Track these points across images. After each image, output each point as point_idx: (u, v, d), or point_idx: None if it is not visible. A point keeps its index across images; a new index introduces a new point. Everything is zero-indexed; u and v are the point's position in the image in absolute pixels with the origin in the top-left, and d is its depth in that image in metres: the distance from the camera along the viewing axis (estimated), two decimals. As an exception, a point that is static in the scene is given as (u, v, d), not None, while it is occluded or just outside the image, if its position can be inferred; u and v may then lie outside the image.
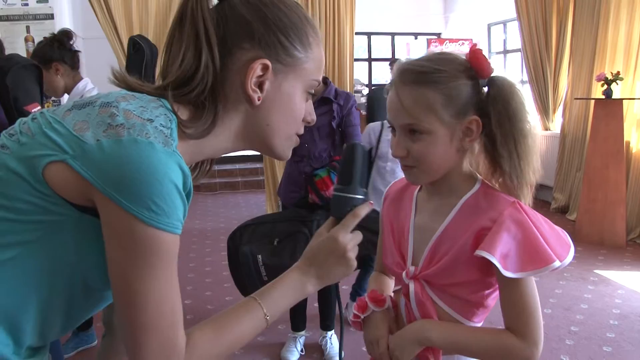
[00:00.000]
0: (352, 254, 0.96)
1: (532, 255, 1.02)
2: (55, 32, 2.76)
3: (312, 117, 0.95)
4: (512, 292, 1.06)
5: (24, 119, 0.82)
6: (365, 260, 2.89)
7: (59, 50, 2.67)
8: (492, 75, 1.06)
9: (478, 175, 1.14)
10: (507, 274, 1.01)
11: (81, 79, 2.78)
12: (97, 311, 0.92)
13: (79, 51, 2.78)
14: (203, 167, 1.00)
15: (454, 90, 1.03)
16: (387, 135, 3.02)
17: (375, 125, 3.19)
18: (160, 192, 0.71)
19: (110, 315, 1.06)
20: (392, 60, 7.48)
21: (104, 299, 0.88)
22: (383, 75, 9.67)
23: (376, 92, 4.34)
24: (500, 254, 1.01)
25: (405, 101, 1.04)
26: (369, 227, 1.11)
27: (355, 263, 0.97)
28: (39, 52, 2.64)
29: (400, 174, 1.17)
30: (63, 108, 0.80)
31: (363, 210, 0.99)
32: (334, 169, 2.75)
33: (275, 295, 0.92)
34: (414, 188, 1.22)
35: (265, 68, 0.85)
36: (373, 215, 1.07)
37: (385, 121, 2.85)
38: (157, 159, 0.72)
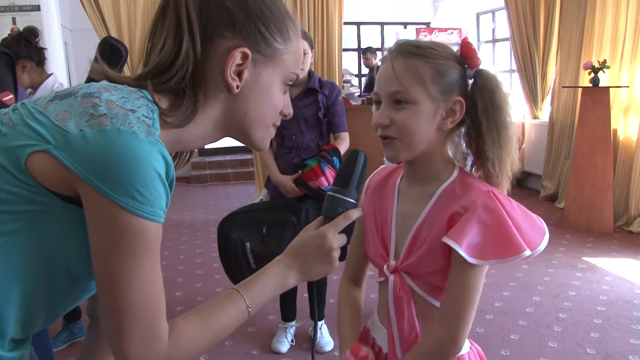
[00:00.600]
0: (336, 253, 0.98)
1: (502, 244, 1.03)
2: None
3: (289, 110, 0.97)
4: (461, 279, 1.06)
5: (4, 109, 0.82)
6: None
7: (25, 47, 2.67)
8: (479, 67, 1.10)
9: (457, 162, 1.15)
10: (472, 260, 1.03)
11: (48, 75, 2.78)
12: (81, 302, 0.92)
13: (44, 48, 2.78)
14: (182, 158, 1.01)
15: (444, 68, 1.08)
16: None
17: None
18: (144, 181, 0.72)
19: (94, 306, 1.06)
20: (365, 49, 7.56)
21: (88, 289, 0.88)
22: (373, 65, 9.68)
23: None
24: (467, 241, 1.02)
25: (398, 70, 1.08)
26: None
27: (337, 263, 0.98)
28: (5, 49, 2.62)
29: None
30: (44, 99, 0.80)
31: (354, 214, 1.01)
32: (324, 158, 2.75)
33: (257, 287, 0.93)
34: (396, 177, 1.23)
35: (244, 57, 0.86)
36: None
37: None
38: (141, 148, 0.72)
